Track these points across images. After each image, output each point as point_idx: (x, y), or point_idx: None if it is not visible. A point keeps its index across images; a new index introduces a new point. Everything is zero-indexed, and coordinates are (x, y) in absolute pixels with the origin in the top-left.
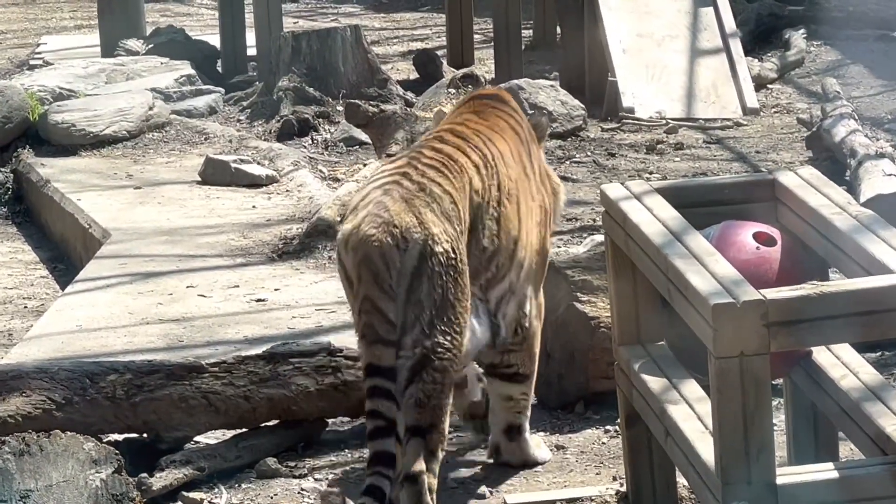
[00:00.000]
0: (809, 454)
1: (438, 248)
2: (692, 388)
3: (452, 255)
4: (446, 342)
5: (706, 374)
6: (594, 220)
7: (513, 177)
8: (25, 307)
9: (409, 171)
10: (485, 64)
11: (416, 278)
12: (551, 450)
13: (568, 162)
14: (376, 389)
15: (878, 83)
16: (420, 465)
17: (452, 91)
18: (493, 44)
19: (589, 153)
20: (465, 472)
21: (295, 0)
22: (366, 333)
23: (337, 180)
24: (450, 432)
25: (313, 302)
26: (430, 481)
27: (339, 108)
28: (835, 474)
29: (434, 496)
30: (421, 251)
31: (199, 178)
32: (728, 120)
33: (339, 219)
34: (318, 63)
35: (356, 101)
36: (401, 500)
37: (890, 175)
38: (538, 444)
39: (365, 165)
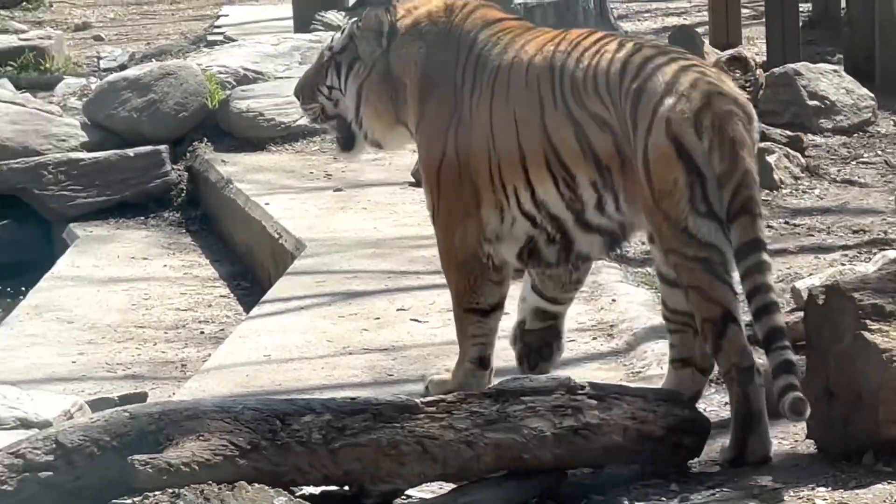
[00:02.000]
0: None
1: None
2: None
3: None
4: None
5: None
6: (885, 233)
7: None
8: (202, 333)
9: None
10: (754, 44)
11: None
12: None
13: (854, 162)
14: (765, 265)
15: None
16: None
17: None
18: (763, 20)
19: (879, 152)
20: None
21: None
22: (751, 208)
23: None
24: None
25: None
26: None
27: None
28: None
29: None
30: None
31: (413, 179)
32: None
33: None
34: None
35: None
36: None
37: None
38: None
39: None
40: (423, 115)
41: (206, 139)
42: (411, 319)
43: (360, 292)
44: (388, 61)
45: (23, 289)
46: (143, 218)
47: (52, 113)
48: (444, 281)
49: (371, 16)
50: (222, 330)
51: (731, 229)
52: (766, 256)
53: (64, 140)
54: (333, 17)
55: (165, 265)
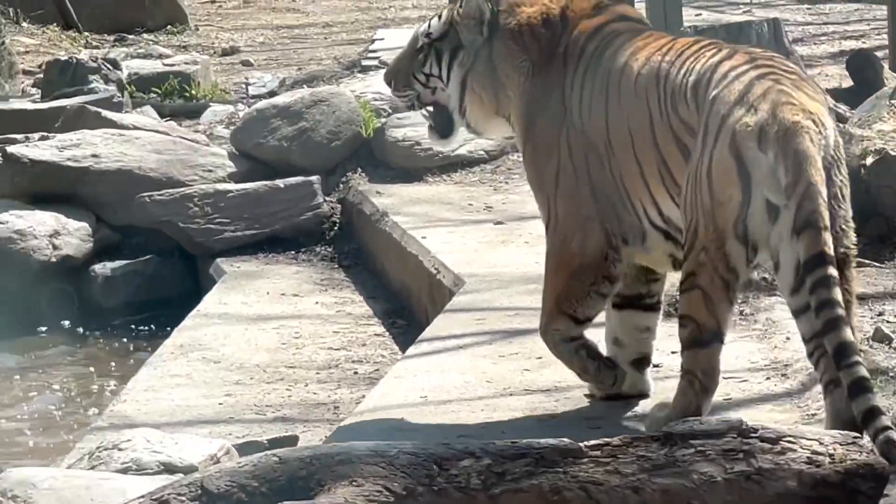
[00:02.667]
0: None
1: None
2: None
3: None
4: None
5: None
6: None
7: None
8: (356, 373)
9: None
10: None
11: (834, 165)
12: None
13: None
14: (832, 280)
15: None
16: None
17: None
18: None
19: None
20: None
21: None
22: (815, 221)
23: None
24: None
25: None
26: None
27: None
28: None
29: None
30: (835, 138)
31: None
32: None
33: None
34: None
35: None
36: None
37: None
38: None
39: None
40: (532, 127)
41: (360, 169)
42: None
43: (521, 330)
44: (490, 51)
45: (167, 327)
46: (293, 252)
47: (197, 142)
48: None
49: (472, 3)
50: (377, 370)
51: (797, 242)
52: (831, 271)
53: (210, 171)
54: None
55: (317, 302)
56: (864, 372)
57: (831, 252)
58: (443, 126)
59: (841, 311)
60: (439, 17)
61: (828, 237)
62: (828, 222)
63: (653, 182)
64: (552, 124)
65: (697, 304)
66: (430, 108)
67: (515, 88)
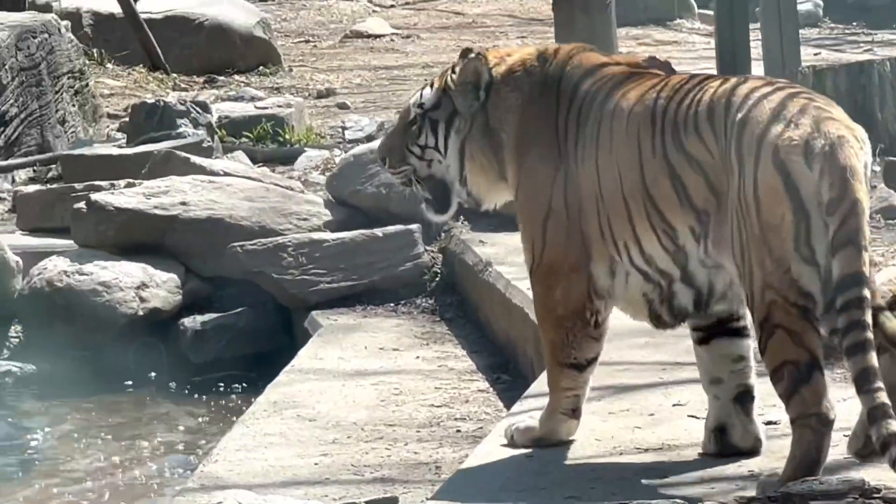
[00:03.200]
0: None
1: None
2: None
3: None
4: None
5: None
6: None
7: None
8: (458, 431)
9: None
10: None
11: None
12: None
13: None
14: (864, 301)
15: None
16: None
17: None
18: None
19: None
20: None
21: (816, 25)
22: (856, 239)
23: (874, 264)
24: None
25: (842, 425)
26: None
27: (876, 166)
28: None
29: None
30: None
31: None
32: None
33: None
34: (847, 107)
35: None
36: None
37: None
38: None
39: None
40: (523, 166)
41: (462, 217)
42: (689, 416)
43: (631, 386)
44: (486, 114)
45: (260, 383)
46: (392, 305)
47: (291, 189)
48: None
49: (469, 67)
50: (480, 428)
51: (833, 259)
52: (866, 292)
53: (305, 219)
54: None
55: (418, 357)
56: (884, 398)
57: (868, 273)
58: (440, 200)
59: (869, 335)
60: (431, 85)
61: (867, 257)
62: (868, 242)
63: (638, 222)
64: (544, 167)
65: (783, 345)
66: (425, 183)
67: (510, 129)
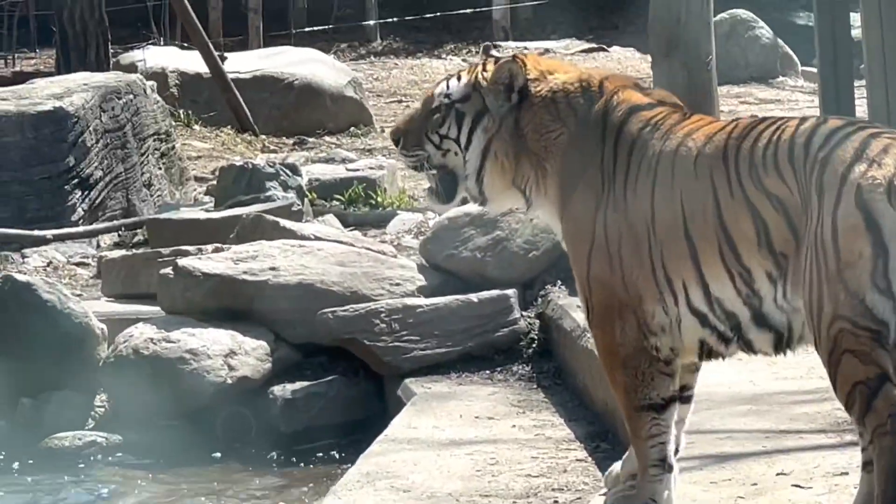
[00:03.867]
0: None
1: None
2: None
3: None
4: None
5: None
6: None
7: None
8: (555, 502)
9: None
10: None
11: None
12: None
13: None
14: None
15: None
16: None
17: None
18: None
19: None
20: None
21: None
22: None
23: None
24: None
25: None
26: None
27: None
28: None
29: None
30: None
31: None
32: None
33: None
34: None
35: None
36: None
37: None
38: None
39: None
40: (567, 204)
41: (559, 282)
42: (793, 485)
43: (734, 454)
44: (515, 118)
45: (352, 453)
46: (488, 372)
47: (384, 253)
48: (830, 441)
49: (505, 68)
50: (579, 499)
51: None
52: None
53: (398, 284)
54: None
55: (514, 425)
56: None
57: None
58: (447, 190)
59: None
60: (458, 78)
61: None
62: None
63: (708, 263)
64: (587, 202)
65: (852, 368)
66: (435, 171)
67: (553, 162)
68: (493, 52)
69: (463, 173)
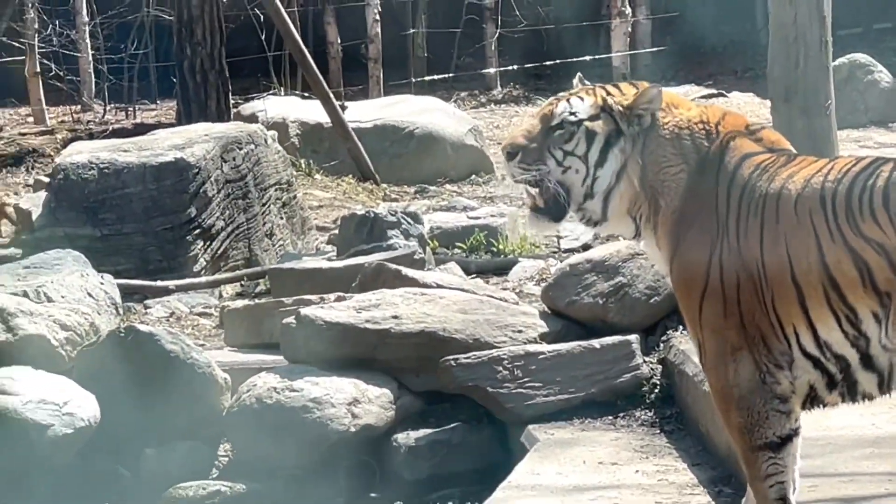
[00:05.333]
0: None
1: None
2: None
3: None
4: None
5: None
6: None
7: None
8: None
9: None
10: None
11: None
12: None
13: None
14: None
15: None
16: None
17: None
18: None
19: None
20: None
21: None
22: None
23: None
24: None
25: None
26: None
27: None
28: None
29: None
30: None
31: None
32: None
33: None
34: None
35: None
36: None
37: None
38: None
39: None
40: (680, 247)
41: (681, 327)
42: None
43: (857, 497)
44: (644, 144)
45: (476, 500)
46: (611, 418)
47: (506, 300)
48: None
49: (648, 94)
50: None
51: None
52: None
53: (520, 331)
54: None
55: (637, 471)
56: None
57: None
58: (556, 210)
59: None
60: (580, 98)
61: None
62: None
63: (814, 306)
64: (702, 245)
65: None
66: (549, 189)
67: (667, 199)
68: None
69: (581, 191)
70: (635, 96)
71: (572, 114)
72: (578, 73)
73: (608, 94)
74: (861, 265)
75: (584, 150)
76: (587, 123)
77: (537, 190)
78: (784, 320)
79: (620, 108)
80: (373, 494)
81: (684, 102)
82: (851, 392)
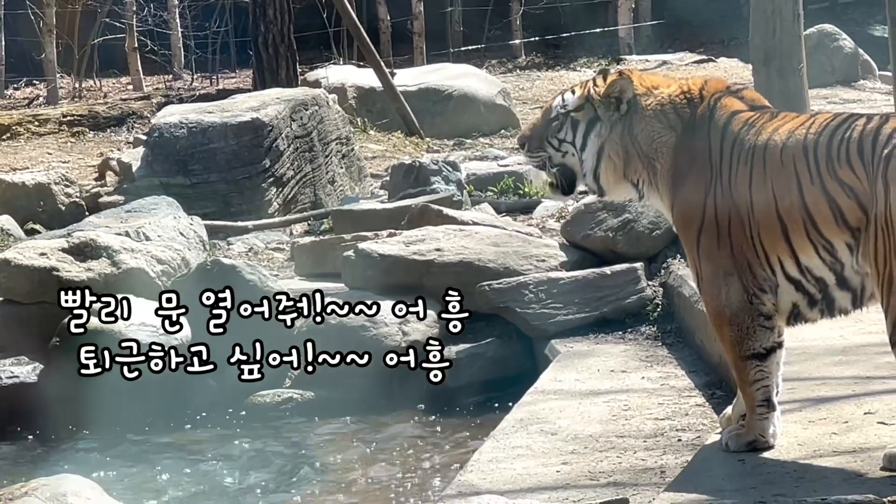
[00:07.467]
0: None
1: None
2: None
3: None
4: None
5: None
6: None
7: None
8: (679, 440)
9: None
10: None
11: None
12: None
13: None
14: None
15: None
16: None
17: None
18: None
19: None
20: None
21: None
22: None
23: None
24: None
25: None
26: None
27: None
28: None
29: None
30: None
31: None
32: None
33: None
34: None
35: None
36: None
37: None
38: None
39: None
40: (678, 193)
41: (678, 256)
42: (878, 422)
43: (828, 397)
44: (627, 125)
45: (508, 403)
46: (620, 333)
47: (531, 235)
48: None
49: (616, 85)
50: (699, 437)
51: None
52: None
53: (543, 260)
54: None
55: (643, 377)
56: None
57: None
58: (568, 184)
59: None
60: (572, 91)
61: None
62: None
63: (796, 238)
64: (697, 190)
65: None
66: (556, 169)
67: (664, 161)
68: (615, 67)
69: (581, 171)
70: (605, 87)
71: (563, 106)
72: (601, 68)
73: (595, 85)
74: (834, 206)
75: (571, 137)
76: (573, 114)
77: (544, 172)
78: (769, 251)
79: (598, 98)
80: (420, 399)
81: (664, 82)
82: (830, 308)
